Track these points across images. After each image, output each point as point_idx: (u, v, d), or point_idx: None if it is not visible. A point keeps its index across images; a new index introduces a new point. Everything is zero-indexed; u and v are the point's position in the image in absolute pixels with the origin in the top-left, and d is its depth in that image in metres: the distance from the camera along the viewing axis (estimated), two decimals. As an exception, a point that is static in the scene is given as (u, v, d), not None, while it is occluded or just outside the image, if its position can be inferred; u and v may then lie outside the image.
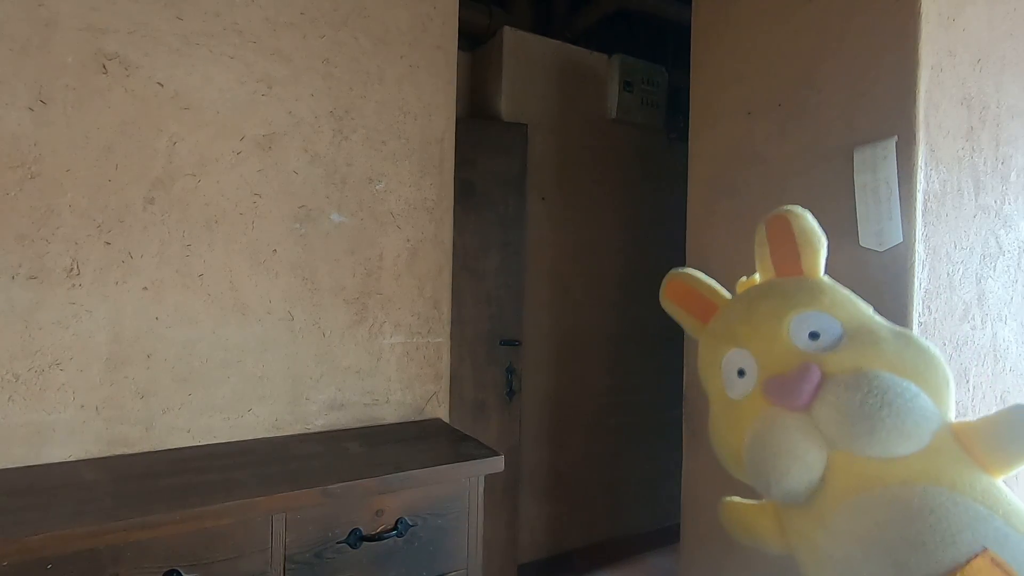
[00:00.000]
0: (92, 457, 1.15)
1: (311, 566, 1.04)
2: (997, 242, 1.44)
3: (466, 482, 1.22)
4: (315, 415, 1.39)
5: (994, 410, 1.40)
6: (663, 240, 2.69)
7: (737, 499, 0.49)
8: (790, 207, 0.59)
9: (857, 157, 1.27)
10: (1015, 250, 1.49)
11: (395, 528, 1.12)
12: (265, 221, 1.32)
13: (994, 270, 1.43)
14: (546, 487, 2.44)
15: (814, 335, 0.51)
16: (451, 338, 1.60)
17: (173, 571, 0.93)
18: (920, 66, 1.22)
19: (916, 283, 1.22)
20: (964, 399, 1.37)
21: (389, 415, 1.49)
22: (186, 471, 1.11)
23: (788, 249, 0.58)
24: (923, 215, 1.24)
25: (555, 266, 2.46)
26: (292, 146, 1.35)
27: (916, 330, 1.23)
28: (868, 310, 0.55)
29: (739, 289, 0.62)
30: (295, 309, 1.36)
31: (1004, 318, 1.47)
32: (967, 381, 1.37)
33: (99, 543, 0.87)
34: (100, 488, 1.03)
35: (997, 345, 1.45)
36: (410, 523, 1.14)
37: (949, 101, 1.29)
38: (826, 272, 1.32)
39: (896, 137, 1.23)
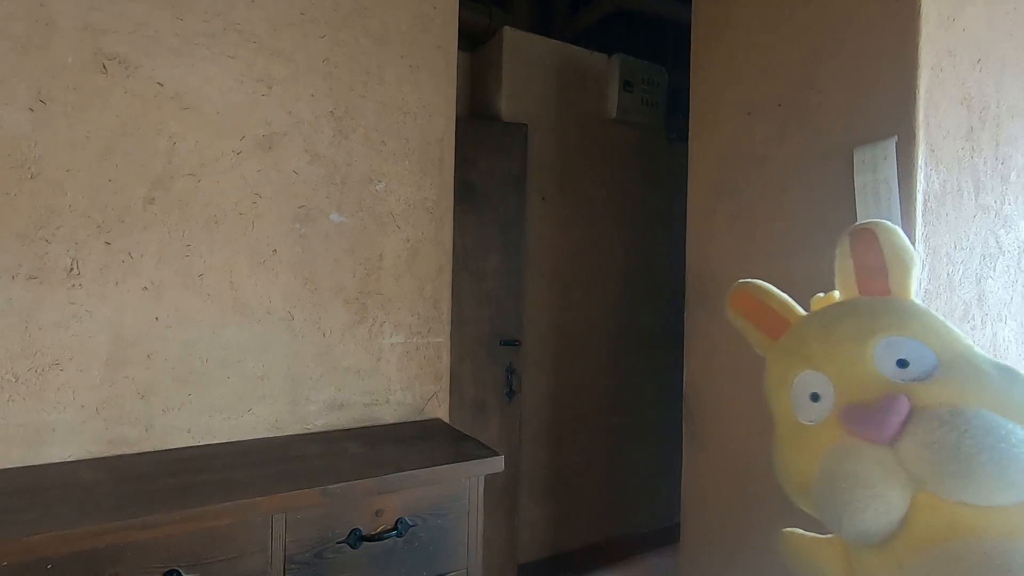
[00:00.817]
0: (92, 457, 1.15)
1: (311, 566, 1.04)
2: (997, 242, 1.44)
3: (466, 482, 1.22)
4: (315, 415, 1.39)
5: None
6: (663, 240, 2.69)
7: (799, 531, 0.47)
8: (877, 221, 0.54)
9: (857, 157, 1.27)
10: (1015, 250, 1.49)
11: (395, 528, 1.12)
12: (265, 221, 1.32)
13: (994, 270, 1.43)
14: (546, 487, 2.45)
15: (903, 363, 0.47)
16: (451, 338, 1.60)
17: (173, 571, 0.93)
18: (920, 66, 1.22)
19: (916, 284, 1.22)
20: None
21: (389, 415, 1.49)
22: (186, 471, 1.11)
23: (875, 266, 0.53)
24: (923, 215, 1.24)
25: (555, 266, 2.46)
26: (292, 146, 1.35)
27: (916, 330, 1.23)
28: (966, 339, 0.50)
29: (815, 306, 0.58)
30: (295, 309, 1.36)
31: (1004, 318, 1.47)
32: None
33: (99, 543, 0.87)
34: (100, 488, 1.03)
35: (997, 345, 1.45)
36: (410, 523, 1.14)
37: (949, 101, 1.29)
38: (826, 273, 1.32)
39: (896, 137, 1.23)
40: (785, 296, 0.59)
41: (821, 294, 0.59)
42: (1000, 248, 1.44)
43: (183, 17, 1.22)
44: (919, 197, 1.23)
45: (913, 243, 1.23)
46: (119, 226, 1.17)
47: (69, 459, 1.13)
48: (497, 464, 1.25)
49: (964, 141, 1.33)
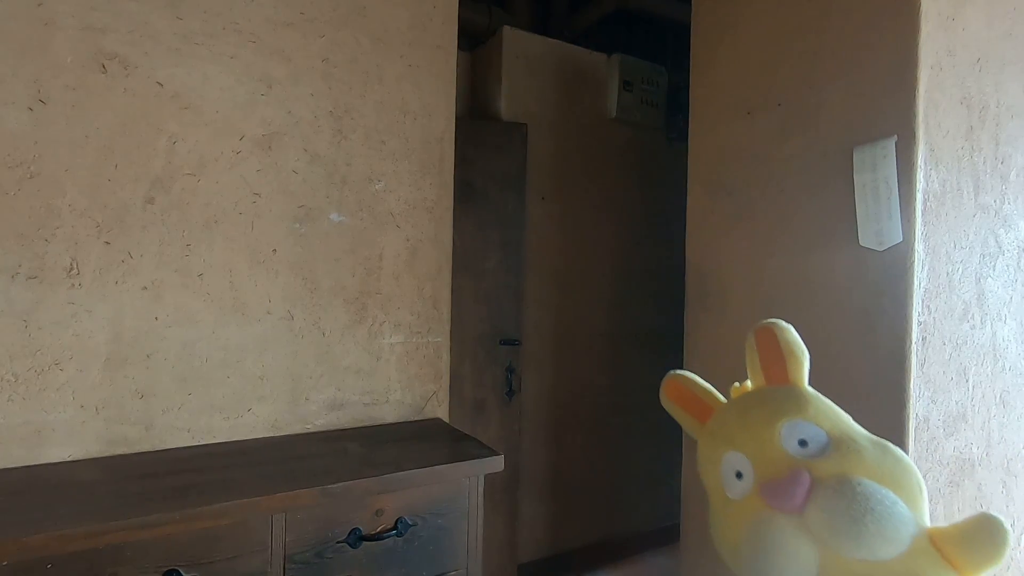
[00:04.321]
0: (92, 457, 1.15)
1: (311, 565, 1.04)
2: (996, 241, 1.44)
3: (466, 482, 1.22)
4: (315, 415, 1.39)
5: (993, 413, 1.40)
6: (663, 240, 2.69)
7: None
8: (775, 320, 0.63)
9: (857, 156, 1.27)
10: (1015, 249, 1.49)
11: (395, 528, 1.12)
12: (265, 221, 1.32)
13: (994, 269, 1.43)
14: (546, 486, 2.44)
15: (803, 442, 0.55)
16: (451, 337, 1.60)
17: (173, 571, 0.93)
18: (920, 65, 1.22)
19: (916, 283, 1.23)
20: (964, 398, 1.37)
21: (389, 415, 1.49)
22: (186, 471, 1.11)
23: (775, 359, 0.62)
24: (923, 214, 1.24)
25: (555, 266, 2.46)
26: (292, 146, 1.35)
27: (915, 331, 1.23)
28: (848, 419, 0.60)
29: (733, 394, 0.67)
30: (295, 309, 1.36)
31: (1003, 317, 1.47)
32: (967, 380, 1.37)
33: (99, 543, 0.87)
34: (100, 488, 1.03)
35: (996, 344, 1.45)
36: (410, 523, 1.14)
37: (949, 100, 1.29)
38: (825, 273, 1.32)
39: (896, 137, 1.23)
40: (708, 386, 0.67)
41: (737, 384, 0.66)
42: (1000, 247, 1.44)
43: (182, 16, 1.22)
44: (919, 196, 1.23)
45: (913, 242, 1.23)
46: (119, 226, 1.17)
47: (69, 459, 1.13)
48: (496, 464, 1.25)
49: (964, 140, 1.33)
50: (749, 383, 0.67)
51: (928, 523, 0.52)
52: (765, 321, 0.64)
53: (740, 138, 1.63)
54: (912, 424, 1.23)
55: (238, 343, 1.29)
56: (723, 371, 1.65)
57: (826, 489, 0.50)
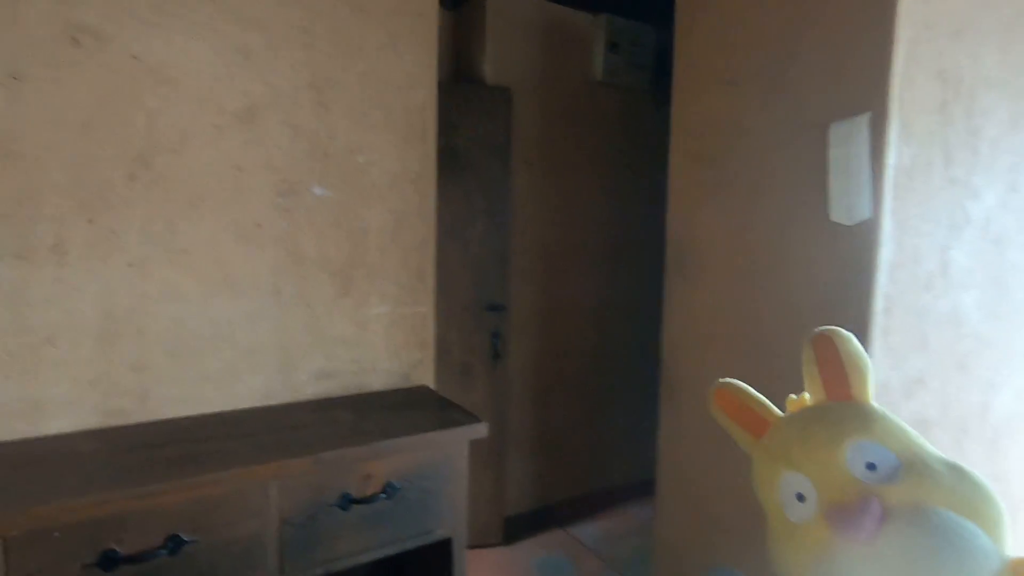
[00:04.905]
0: (90, 429, 1.20)
1: (305, 528, 1.11)
2: (964, 212, 1.48)
3: (451, 447, 1.29)
4: (305, 384, 1.44)
5: (951, 376, 1.48)
6: (648, 206, 2.71)
7: None
8: (834, 329, 0.59)
9: (832, 132, 1.30)
10: (982, 219, 1.54)
11: (383, 491, 1.19)
12: (248, 195, 1.33)
13: (960, 240, 1.48)
14: (532, 444, 2.55)
15: (871, 466, 0.53)
16: (437, 304, 1.63)
17: (174, 536, 0.99)
18: (896, 41, 1.23)
19: (882, 256, 1.27)
20: (924, 364, 1.44)
21: (377, 383, 1.55)
22: (182, 441, 1.16)
23: (836, 371, 0.59)
24: (892, 190, 1.27)
25: (540, 232, 2.48)
26: (272, 119, 1.34)
27: (879, 302, 1.29)
28: (919, 439, 0.57)
29: (789, 407, 0.64)
30: (281, 282, 1.38)
31: (967, 286, 1.53)
32: (927, 347, 1.44)
33: (103, 512, 0.93)
34: (99, 459, 1.07)
35: (958, 312, 1.51)
36: (397, 487, 1.21)
37: (924, 75, 1.31)
38: (798, 245, 1.36)
39: (870, 113, 1.25)
40: (762, 397, 0.64)
41: (794, 396, 0.64)
42: (967, 218, 1.49)
43: (154, -14, 1.19)
44: (889, 172, 1.26)
45: (881, 217, 1.27)
46: (101, 203, 1.17)
47: (67, 431, 1.17)
48: (480, 430, 1.31)
49: (937, 115, 1.35)
50: (807, 396, 0.62)
51: (1010, 553, 0.48)
52: (823, 328, 0.59)
53: (721, 107, 1.64)
54: (872, 388, 1.30)
55: (227, 317, 1.32)
56: (698, 338, 1.72)
57: (900, 520, 0.47)
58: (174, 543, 0.98)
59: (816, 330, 0.61)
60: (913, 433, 0.57)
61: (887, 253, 1.28)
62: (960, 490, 0.49)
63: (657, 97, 2.70)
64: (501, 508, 2.43)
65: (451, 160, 2.26)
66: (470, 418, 1.33)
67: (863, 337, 1.30)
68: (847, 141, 1.26)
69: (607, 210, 2.64)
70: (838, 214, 1.29)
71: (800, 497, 0.55)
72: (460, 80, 2.44)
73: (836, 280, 1.34)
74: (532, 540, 2.47)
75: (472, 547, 2.39)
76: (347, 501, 1.15)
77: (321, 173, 1.41)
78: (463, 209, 2.32)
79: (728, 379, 0.67)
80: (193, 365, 1.29)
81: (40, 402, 1.14)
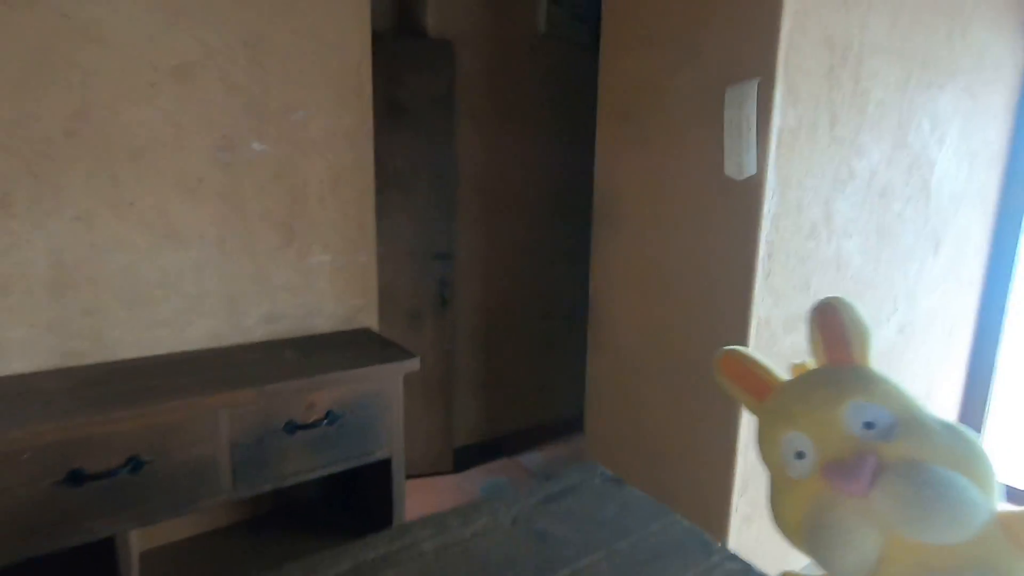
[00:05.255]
0: (48, 369, 1.30)
1: (253, 450, 1.26)
2: (849, 168, 1.66)
3: (387, 380, 1.44)
4: (253, 328, 1.56)
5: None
6: (588, 157, 2.82)
7: (797, 572, 0.57)
8: (837, 297, 0.63)
9: (727, 95, 1.43)
10: (867, 174, 1.73)
11: (325, 418, 1.34)
12: (188, 151, 1.40)
13: (844, 192, 1.66)
14: (480, 382, 2.74)
15: (869, 424, 0.55)
16: (385, 253, 1.74)
17: (134, 457, 1.13)
18: (783, 10, 1.36)
19: (766, 208, 1.44)
20: (805, 303, 1.65)
21: (322, 326, 1.68)
22: (137, 378, 1.28)
23: (838, 337, 0.61)
24: (777, 148, 1.43)
25: (484, 182, 2.59)
26: (207, 76, 1.40)
27: (763, 248, 1.47)
28: (916, 400, 0.58)
29: (793, 372, 0.66)
30: (225, 234, 1.48)
31: (850, 234, 1.73)
32: (809, 288, 1.64)
33: (68, 436, 1.05)
34: (61, 393, 1.19)
35: (840, 257, 1.72)
36: (338, 414, 1.37)
37: (811, 43, 1.44)
38: (702, 197, 1.51)
39: (759, 78, 1.39)
40: (768, 362, 0.67)
41: (797, 361, 0.67)
42: (851, 173, 1.67)
43: (79, -57, 1.22)
44: (773, 132, 1.41)
45: (765, 173, 1.43)
46: (44, 159, 1.24)
47: (27, 371, 1.28)
48: (414, 364, 1.47)
49: (823, 79, 1.50)
50: (810, 362, 0.66)
51: (998, 508, 0.51)
52: (826, 297, 0.62)
53: (642, 67, 1.75)
54: (754, 324, 1.50)
55: (174, 266, 1.42)
56: (623, 284, 1.89)
57: (894, 473, 0.50)
58: (135, 463, 1.13)
59: (820, 299, 0.63)
60: (911, 395, 0.59)
61: (771, 205, 1.45)
62: (953, 447, 0.52)
63: (597, 51, 2.76)
64: (451, 440, 2.64)
65: (395, 112, 2.32)
66: (405, 355, 1.49)
67: (747, 278, 1.48)
68: (739, 104, 1.40)
69: (549, 161, 2.75)
70: (730, 170, 1.45)
71: (800, 455, 0.57)
72: (402, 33, 2.46)
73: (729, 229, 1.52)
74: (480, 468, 2.71)
75: (425, 475, 2.61)
76: (292, 427, 1.31)
77: (259, 129, 1.49)
78: (408, 161, 2.40)
79: (733, 346, 0.68)
80: (144, 311, 1.40)
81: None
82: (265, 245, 1.54)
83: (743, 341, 1.50)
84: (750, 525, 1.67)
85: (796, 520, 0.56)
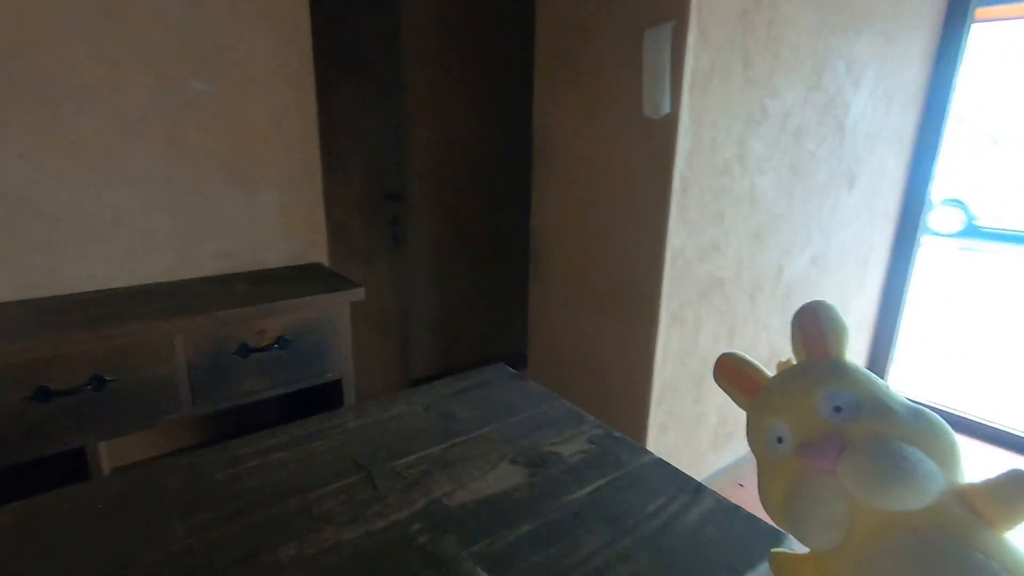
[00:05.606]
0: (5, 301, 1.38)
1: (210, 371, 1.39)
2: (763, 109, 1.79)
3: (334, 307, 1.57)
4: (205, 263, 1.65)
5: (745, 245, 1.86)
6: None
7: (783, 551, 0.64)
8: (819, 300, 0.69)
9: (646, 38, 1.53)
10: (780, 115, 1.86)
11: (276, 343, 1.47)
12: (127, 90, 1.44)
13: (757, 132, 1.80)
14: (435, 318, 2.89)
15: (838, 409, 0.60)
16: (338, 193, 1.82)
17: (97, 376, 1.24)
18: (696, -44, 1.44)
19: (679, 146, 1.57)
20: (718, 234, 1.81)
21: (273, 260, 1.77)
22: (94, 307, 1.37)
23: (817, 335, 0.67)
24: (690, 89, 1.55)
25: (434, 124, 2.64)
26: (141, 14, 1.42)
27: (676, 182, 1.61)
28: (884, 387, 0.64)
29: (779, 369, 0.73)
30: (171, 172, 1.54)
31: (764, 171, 1.88)
32: (723, 221, 1.80)
33: (33, 356, 1.16)
34: (21, 321, 1.28)
35: (754, 192, 1.87)
36: (289, 339, 1.49)
37: (724, -13, 1.53)
38: (627, 136, 1.63)
39: (674, 22, 1.49)
40: (758, 363, 0.74)
41: (783, 359, 0.74)
42: (765, 114, 1.81)
43: None
44: (687, 74, 1.52)
45: (679, 113, 1.55)
46: (-18, 98, 1.28)
47: (-13, 303, 1.36)
48: (359, 294, 1.59)
49: (736, 24, 1.60)
50: (792, 359, 0.72)
51: (961, 481, 0.56)
52: (810, 302, 0.69)
53: (571, 10, 1.81)
54: (669, 253, 1.66)
55: (124, 204, 1.49)
56: (559, 219, 2.03)
57: (857, 448, 0.55)
58: (98, 381, 1.24)
59: (802, 305, 0.70)
60: (880, 382, 0.65)
61: (684, 143, 1.58)
62: (914, 426, 0.57)
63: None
64: (408, 373, 2.81)
65: (343, 53, 2.33)
66: (351, 285, 1.60)
67: (662, 210, 1.63)
68: (656, 47, 1.50)
69: (499, 102, 2.81)
70: (647, 110, 1.56)
71: (779, 440, 0.62)
72: (347, -33, 2.44)
73: (647, 165, 1.65)
74: (437, 398, 2.89)
75: (384, 405, 2.78)
76: (245, 351, 1.43)
77: (197, 69, 1.53)
78: (356, 101, 2.43)
79: (730, 351, 0.75)
80: (95, 246, 1.47)
81: (-43, 278, 1.31)
82: (212, 183, 1.61)
83: (659, 270, 1.66)
84: (667, 432, 1.90)
85: (777, 497, 0.61)
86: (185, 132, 1.54)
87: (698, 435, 2.03)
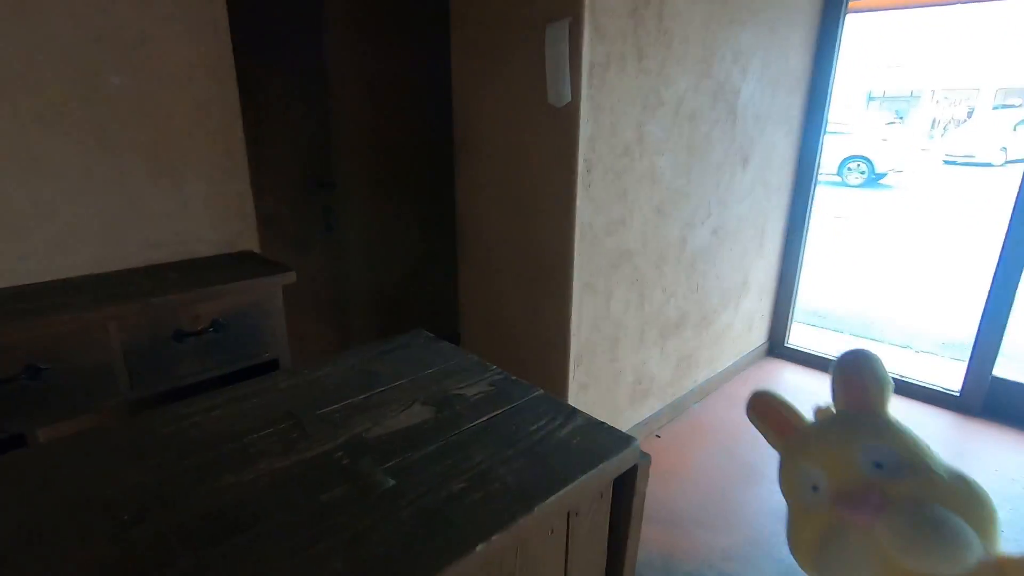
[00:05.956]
0: (-70, 298, 1.40)
1: (146, 356, 1.45)
2: (658, 96, 1.99)
3: (266, 291, 1.65)
4: (134, 254, 1.69)
5: (649, 219, 2.07)
6: (462, 86, 3.00)
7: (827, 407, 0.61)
8: (862, 349, 0.66)
9: (547, 33, 1.68)
10: (674, 101, 2.07)
11: (211, 327, 1.55)
12: (44, 83, 1.46)
13: (654, 117, 2.00)
14: (373, 301, 2.98)
15: (878, 464, 0.58)
16: (269, 182, 1.88)
17: (31, 366, 1.29)
18: (587, -41, 1.60)
19: (582, 131, 1.74)
20: (624, 210, 2.01)
21: (204, 250, 1.83)
22: (24, 300, 1.41)
23: (858, 385, 0.65)
24: (589, 79, 1.71)
25: (362, 112, 2.71)
26: (55, 8, 1.44)
27: (581, 164, 1.78)
28: (926, 447, 0.61)
29: (817, 415, 0.70)
30: (94, 165, 1.57)
31: (662, 152, 2.09)
32: (627, 198, 2.00)
33: (-35, 347, 1.20)
34: (-51, 316, 1.31)
35: (654, 172, 2.08)
36: (223, 323, 1.57)
37: (615, -14, 1.70)
38: (539, 122, 1.78)
39: (570, 18, 1.64)
40: (792, 404, 0.72)
41: (820, 405, 0.71)
42: (660, 101, 2.00)
43: None
44: (585, 65, 1.69)
45: (579, 101, 1.72)
46: None
47: (-92, 301, 1.37)
48: (290, 277, 1.68)
49: (628, 19, 1.78)
50: (832, 406, 0.70)
51: (999, 551, 0.54)
52: (852, 351, 0.66)
53: (483, 5, 1.94)
54: (578, 228, 1.84)
55: (47, 198, 1.51)
56: (481, 205, 2.17)
57: (897, 509, 0.53)
58: (32, 370, 1.29)
59: (843, 351, 0.67)
60: (923, 442, 0.62)
61: (586, 128, 1.75)
62: (956, 492, 0.55)
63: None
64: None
65: (265, 43, 2.36)
66: (281, 268, 1.69)
67: (570, 189, 1.80)
68: (556, 41, 1.66)
69: (427, 89, 2.90)
70: (552, 99, 1.72)
71: (815, 488, 0.61)
72: (263, -43, 2.45)
73: (556, 149, 1.81)
74: (377, 378, 3.00)
75: (325, 388, 2.86)
76: (181, 335, 1.50)
77: (114, 62, 1.56)
78: (283, 92, 2.47)
79: (762, 389, 0.72)
80: (21, 241, 1.49)
81: None
82: (137, 175, 1.65)
83: (570, 244, 1.84)
84: (587, 391, 2.10)
85: (809, 545, 0.59)
86: (106, 125, 1.57)
87: (616, 392, 2.25)
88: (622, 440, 0.82)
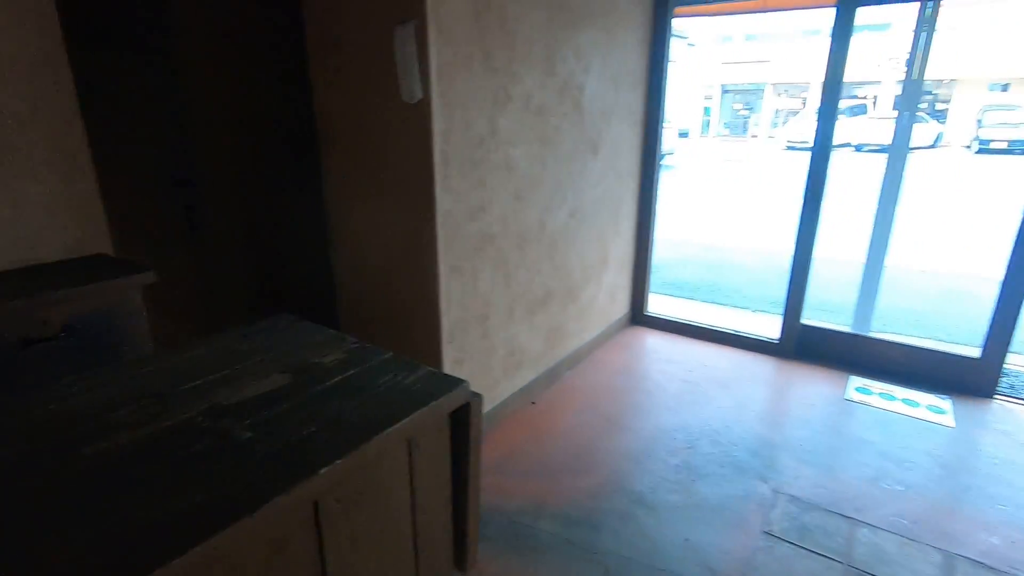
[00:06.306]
0: None
1: (-10, 363, 1.40)
2: (507, 92, 2.19)
3: (125, 292, 1.63)
4: (-36, 261, 1.59)
5: (508, 205, 2.27)
6: (327, 81, 3.01)
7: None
8: None
9: (395, 34, 1.81)
10: (523, 96, 2.28)
11: (62, 331, 1.51)
12: None
13: (504, 111, 2.20)
14: (245, 298, 2.94)
15: None
16: (125, 182, 1.81)
17: None
18: (426, -33, 1.74)
19: (435, 125, 1.89)
20: (483, 197, 2.19)
21: (48, 255, 1.75)
22: None
23: None
24: (438, 78, 1.87)
25: (221, 107, 2.65)
26: None
27: (437, 156, 1.93)
28: None
29: None
30: (-94, 169, 1.46)
31: (515, 144, 2.30)
32: (485, 186, 2.19)
33: None
34: None
35: (510, 162, 2.28)
36: (76, 327, 1.54)
37: (456, -7, 1.86)
38: (391, 118, 1.88)
39: (415, 21, 1.78)
40: None
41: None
42: (509, 97, 2.21)
43: None
44: (433, 66, 1.84)
45: (431, 98, 1.87)
46: None
47: None
48: (149, 277, 1.67)
49: (472, 23, 1.95)
50: None
51: None
52: None
53: (340, 6, 2.02)
54: (439, 216, 1.99)
55: None
56: (348, 196, 2.25)
57: None
58: None
59: None
60: None
61: (439, 123, 1.91)
62: None
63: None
64: (224, 357, 2.84)
65: (111, 37, 2.25)
66: (137, 269, 1.68)
67: (430, 181, 1.95)
68: (404, 42, 1.79)
69: (291, 77, 2.89)
70: (405, 96, 1.85)
71: None
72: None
73: (413, 143, 1.94)
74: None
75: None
76: (28, 342, 1.46)
77: (-76, 58, 1.46)
78: (134, 88, 2.37)
79: None
80: None
81: None
82: (-40, 179, 1.55)
83: (433, 230, 1.99)
84: (461, 366, 2.27)
85: None
86: (-82, 126, 1.47)
87: (490, 365, 2.44)
88: (455, 383, 0.99)
